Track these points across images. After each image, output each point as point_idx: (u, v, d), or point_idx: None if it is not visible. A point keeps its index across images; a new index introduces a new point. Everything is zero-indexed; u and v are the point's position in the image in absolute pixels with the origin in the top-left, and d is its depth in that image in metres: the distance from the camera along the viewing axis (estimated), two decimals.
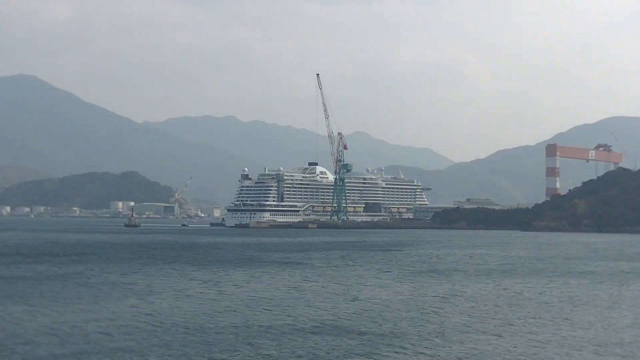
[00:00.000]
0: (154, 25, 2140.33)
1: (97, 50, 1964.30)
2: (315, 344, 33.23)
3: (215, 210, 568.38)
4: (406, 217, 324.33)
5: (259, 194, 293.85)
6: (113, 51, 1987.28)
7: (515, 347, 33.00)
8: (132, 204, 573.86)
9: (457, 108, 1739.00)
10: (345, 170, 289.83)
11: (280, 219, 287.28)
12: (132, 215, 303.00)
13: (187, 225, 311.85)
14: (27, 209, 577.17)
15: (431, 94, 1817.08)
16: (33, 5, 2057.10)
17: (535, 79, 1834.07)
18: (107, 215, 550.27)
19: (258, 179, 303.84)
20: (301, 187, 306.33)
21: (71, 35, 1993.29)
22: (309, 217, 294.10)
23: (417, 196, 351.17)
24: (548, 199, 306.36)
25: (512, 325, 38.73)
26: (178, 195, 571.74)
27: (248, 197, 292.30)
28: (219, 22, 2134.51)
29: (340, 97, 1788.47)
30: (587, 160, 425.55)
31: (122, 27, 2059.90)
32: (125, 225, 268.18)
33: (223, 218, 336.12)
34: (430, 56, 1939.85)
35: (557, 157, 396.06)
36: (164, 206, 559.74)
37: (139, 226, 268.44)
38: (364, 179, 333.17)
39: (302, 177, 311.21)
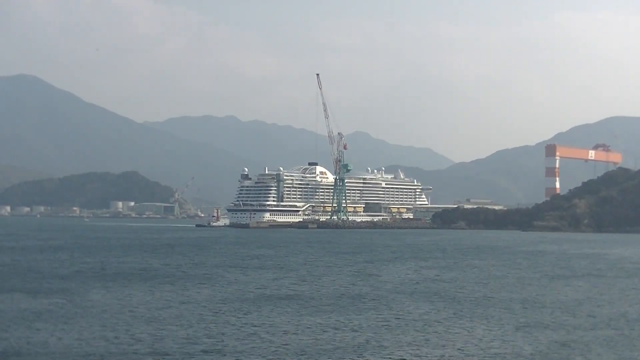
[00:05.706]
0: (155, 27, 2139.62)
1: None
2: None
3: (215, 210, 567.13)
4: (406, 217, 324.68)
5: (259, 194, 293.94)
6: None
7: None
8: (132, 203, 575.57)
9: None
10: (345, 170, 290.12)
11: (280, 219, 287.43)
12: (217, 215, 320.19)
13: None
14: (27, 209, 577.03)
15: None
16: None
17: (536, 79, 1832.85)
18: (107, 215, 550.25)
19: (258, 179, 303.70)
20: (301, 187, 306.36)
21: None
22: (309, 217, 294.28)
23: (417, 196, 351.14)
24: (548, 199, 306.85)
25: None
26: (178, 195, 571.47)
27: (248, 197, 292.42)
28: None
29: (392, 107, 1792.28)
30: (587, 160, 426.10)
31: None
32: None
33: None
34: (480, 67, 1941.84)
35: (557, 157, 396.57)
36: (164, 206, 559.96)
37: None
38: (364, 179, 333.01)
39: (302, 177, 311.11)
